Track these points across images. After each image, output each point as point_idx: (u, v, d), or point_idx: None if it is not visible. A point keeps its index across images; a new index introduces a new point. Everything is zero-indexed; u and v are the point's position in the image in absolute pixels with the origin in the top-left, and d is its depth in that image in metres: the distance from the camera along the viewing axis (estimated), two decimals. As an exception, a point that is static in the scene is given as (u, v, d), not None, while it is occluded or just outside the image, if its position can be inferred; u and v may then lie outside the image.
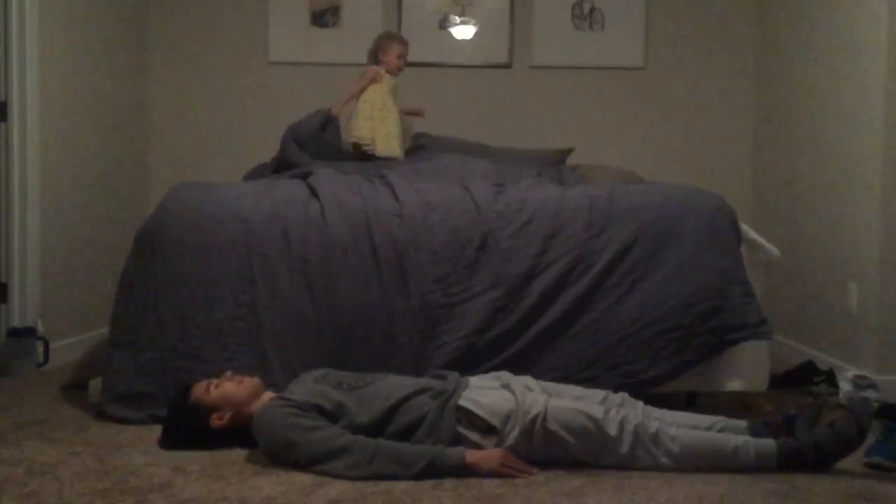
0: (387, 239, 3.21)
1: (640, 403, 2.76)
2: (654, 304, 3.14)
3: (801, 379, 3.89)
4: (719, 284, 3.14)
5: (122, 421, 3.06)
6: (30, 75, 3.94)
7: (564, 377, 3.05)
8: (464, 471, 2.52)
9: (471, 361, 3.09)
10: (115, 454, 2.71)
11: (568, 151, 4.99)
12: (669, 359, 3.12)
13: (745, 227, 3.37)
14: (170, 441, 2.81)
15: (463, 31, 5.35)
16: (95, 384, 3.28)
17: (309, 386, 2.75)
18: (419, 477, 2.48)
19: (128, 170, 5.08)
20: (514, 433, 2.61)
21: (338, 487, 2.42)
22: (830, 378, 3.83)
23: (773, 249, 3.40)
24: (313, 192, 3.41)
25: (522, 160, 4.51)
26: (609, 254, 3.19)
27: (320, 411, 2.64)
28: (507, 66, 5.34)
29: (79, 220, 4.44)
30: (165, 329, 3.16)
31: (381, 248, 3.20)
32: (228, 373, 2.87)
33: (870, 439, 2.79)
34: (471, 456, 2.54)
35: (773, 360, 4.41)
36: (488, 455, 2.56)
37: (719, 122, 5.37)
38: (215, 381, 2.82)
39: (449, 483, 2.47)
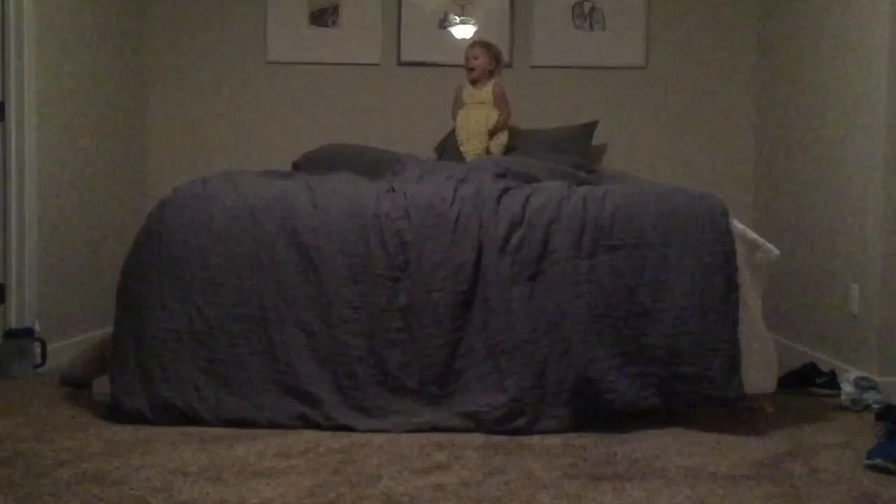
0: (394, 237, 3.22)
1: None
2: (638, 349, 3.14)
3: (803, 380, 3.87)
4: (704, 353, 3.10)
5: (134, 414, 3.06)
6: (27, 75, 3.93)
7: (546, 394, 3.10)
8: None
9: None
10: (113, 456, 2.69)
11: (593, 125, 4.98)
12: (648, 398, 3.13)
13: (742, 226, 3.33)
14: None
15: (463, 31, 5.33)
16: (100, 382, 3.27)
17: None
18: None
19: (125, 170, 5.07)
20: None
21: (336, 489, 2.41)
22: (832, 379, 3.81)
23: (773, 249, 3.37)
24: (317, 187, 3.43)
25: (546, 139, 4.77)
26: (597, 302, 3.16)
27: None
28: (508, 65, 5.30)
29: (77, 221, 4.43)
30: (170, 314, 3.16)
31: (385, 245, 3.21)
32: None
33: (871, 441, 2.79)
34: None
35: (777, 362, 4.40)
36: None
37: (721, 123, 5.34)
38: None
39: (449, 484, 2.45)
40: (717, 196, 3.35)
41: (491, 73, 4.71)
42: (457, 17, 5.32)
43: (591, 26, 5.31)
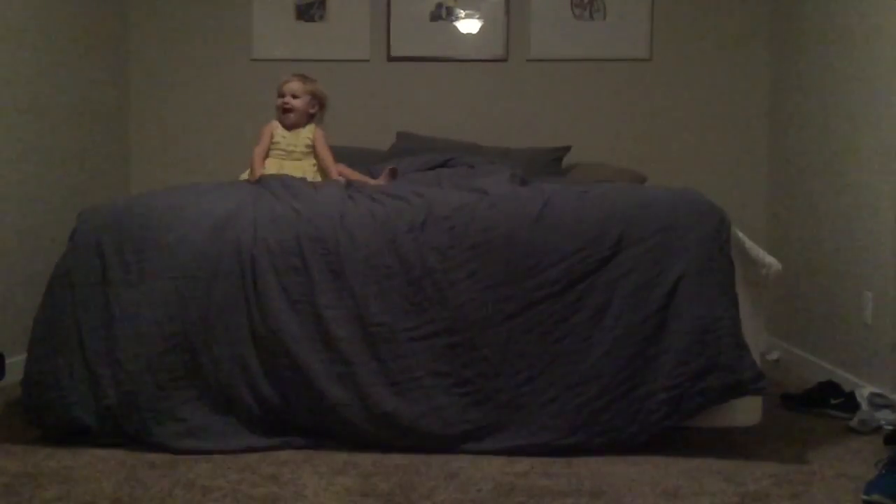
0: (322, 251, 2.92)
1: None
2: (643, 361, 2.81)
3: (818, 400, 3.49)
4: (711, 338, 2.78)
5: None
6: (5, 72, 3.80)
7: (546, 443, 2.77)
8: None
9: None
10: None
11: (564, 150, 4.69)
12: (658, 423, 2.79)
13: (741, 235, 2.99)
14: None
15: (456, 24, 5.05)
16: None
17: None
18: None
19: (107, 174, 4.89)
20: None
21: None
22: (850, 400, 3.40)
23: (774, 262, 3.03)
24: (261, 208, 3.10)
25: (516, 161, 4.23)
26: (588, 309, 2.85)
27: None
28: (503, 59, 5.04)
29: (49, 225, 4.21)
30: (96, 375, 2.86)
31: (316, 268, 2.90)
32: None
33: (871, 473, 2.45)
34: None
35: (788, 374, 4.10)
36: None
37: (731, 120, 5.02)
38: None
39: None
40: (717, 207, 3.00)
41: (311, 117, 3.85)
42: (450, 9, 5.05)
43: (592, 16, 5.01)
